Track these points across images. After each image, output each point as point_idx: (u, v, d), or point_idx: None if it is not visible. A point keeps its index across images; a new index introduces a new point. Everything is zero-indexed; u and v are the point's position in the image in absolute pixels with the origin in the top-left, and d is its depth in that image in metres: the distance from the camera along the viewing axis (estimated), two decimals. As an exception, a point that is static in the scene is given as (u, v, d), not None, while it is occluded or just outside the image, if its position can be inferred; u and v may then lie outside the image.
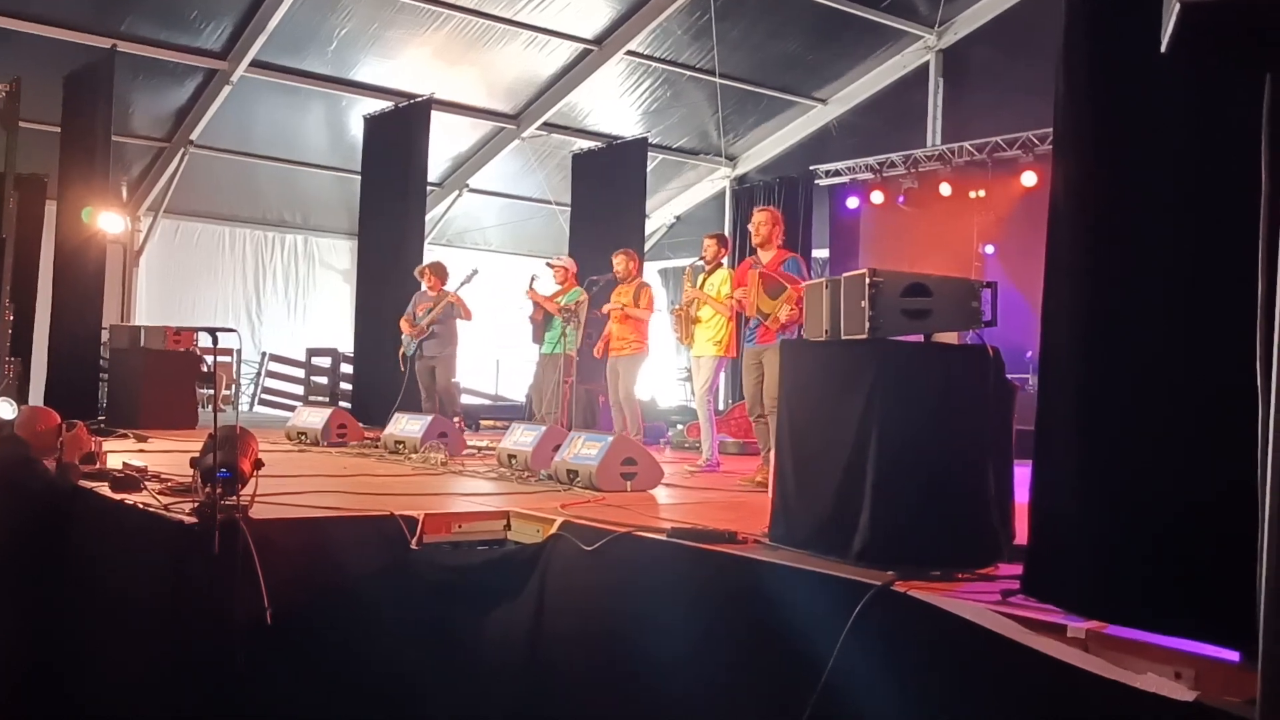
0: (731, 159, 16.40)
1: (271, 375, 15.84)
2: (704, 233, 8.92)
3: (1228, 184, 2.34)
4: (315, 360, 14.97)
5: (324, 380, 14.82)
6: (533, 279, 9.85)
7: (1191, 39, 1.59)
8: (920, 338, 4.23)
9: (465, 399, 13.83)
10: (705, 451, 8.14)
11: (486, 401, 14.74)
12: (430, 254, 13.32)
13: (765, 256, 7.47)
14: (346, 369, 14.27)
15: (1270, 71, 1.63)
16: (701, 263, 8.20)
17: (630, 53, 13.65)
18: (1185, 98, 2.81)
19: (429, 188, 14.18)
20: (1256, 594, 1.70)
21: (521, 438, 7.29)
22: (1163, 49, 1.64)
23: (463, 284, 9.90)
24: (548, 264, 9.92)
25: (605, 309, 9.06)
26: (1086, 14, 3.17)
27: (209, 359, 11.08)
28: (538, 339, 9.79)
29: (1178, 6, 1.52)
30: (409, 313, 10.18)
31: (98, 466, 5.86)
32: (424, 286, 10.22)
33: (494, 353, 14.64)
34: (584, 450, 6.47)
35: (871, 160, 13.46)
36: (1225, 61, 1.80)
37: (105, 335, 11.81)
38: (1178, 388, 2.87)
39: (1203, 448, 2.77)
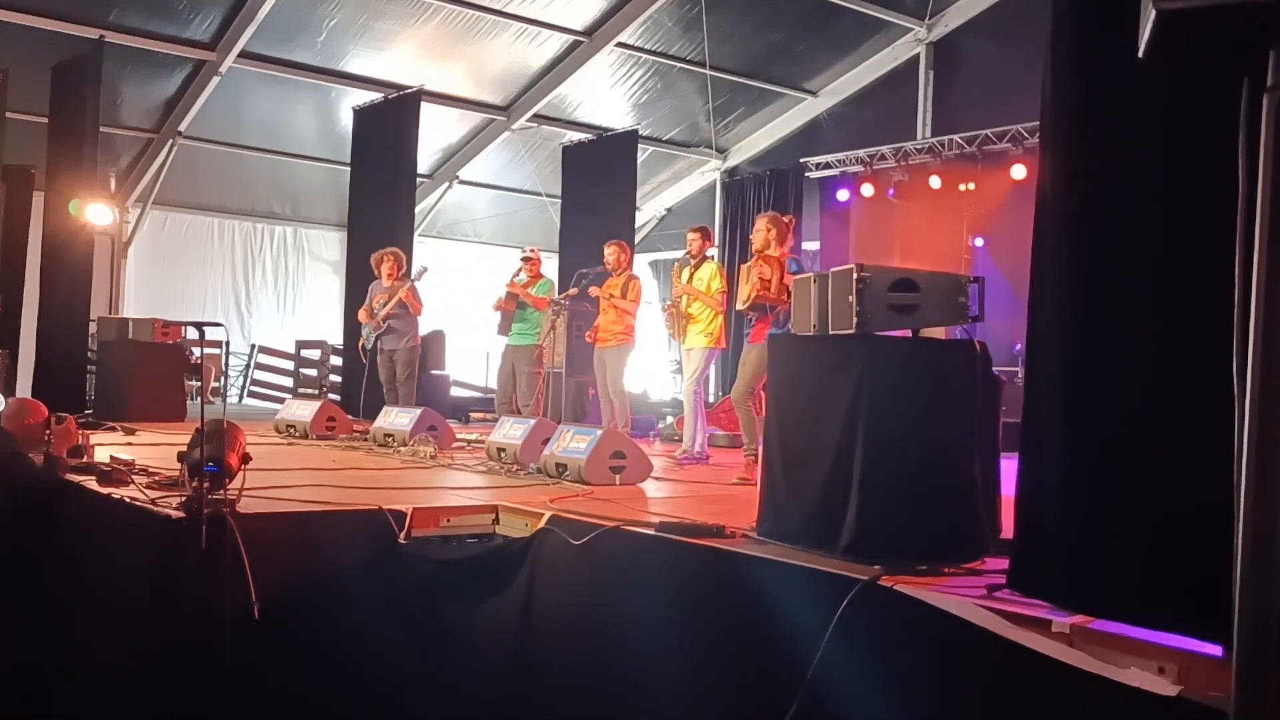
0: (722, 151, 16.39)
1: (260, 367, 15.79)
2: (696, 225, 8.91)
3: (1216, 176, 2.34)
4: (304, 352, 14.93)
5: (313, 373, 14.78)
6: (518, 272, 9.89)
7: (1168, 44, 1.59)
8: (908, 332, 4.25)
9: (454, 391, 13.83)
10: (686, 442, 8.18)
11: (476, 394, 14.73)
12: (420, 246, 13.32)
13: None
14: (336, 361, 14.24)
15: (1247, 75, 1.64)
16: (688, 256, 8.22)
17: (621, 44, 13.62)
18: (1172, 90, 2.82)
19: (419, 179, 14.16)
20: (1233, 589, 1.71)
21: (511, 431, 7.29)
22: (1140, 54, 1.65)
23: (414, 280, 9.90)
24: (522, 257, 9.93)
25: (593, 292, 9.08)
26: (1073, 6, 3.18)
27: (197, 351, 11.05)
28: (504, 330, 9.81)
29: (1153, 12, 1.53)
30: (367, 304, 10.14)
31: (85, 460, 5.84)
32: (382, 275, 10.12)
33: (483, 345, 14.62)
34: (573, 444, 6.47)
35: (862, 153, 13.47)
36: (1203, 66, 1.81)
37: (93, 327, 11.77)
38: (1164, 382, 2.88)
39: (1188, 442, 2.78)
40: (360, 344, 10.13)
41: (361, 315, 10.13)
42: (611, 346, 8.91)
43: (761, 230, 7.33)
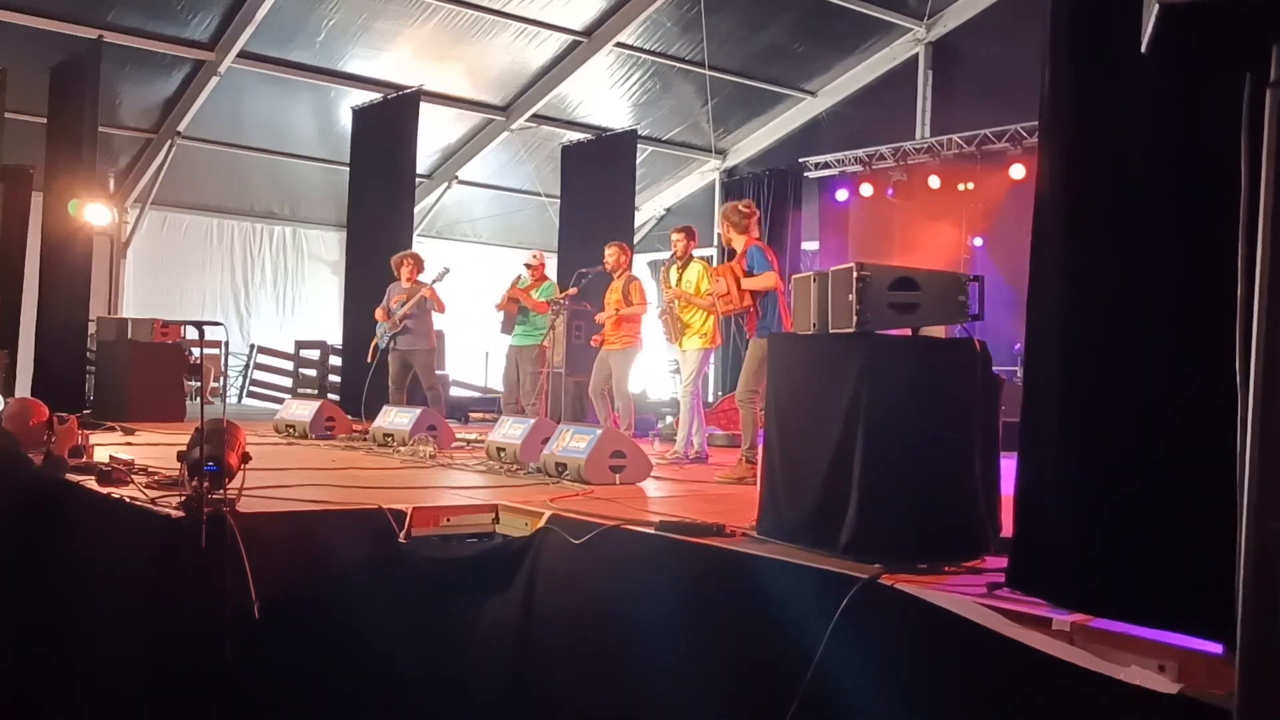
0: (721, 151, 16.40)
1: (260, 368, 15.80)
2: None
3: (1217, 173, 2.34)
4: (304, 353, 14.93)
5: (312, 373, 14.79)
6: (518, 278, 9.92)
7: (1171, 39, 1.59)
8: (908, 331, 4.25)
9: (454, 391, 13.84)
10: (679, 445, 8.17)
11: (475, 394, 14.73)
12: (420, 246, 13.29)
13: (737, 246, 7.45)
14: (335, 361, 14.24)
15: (1250, 71, 1.64)
16: (673, 258, 8.20)
17: (620, 44, 13.63)
18: (1173, 86, 2.82)
19: (418, 179, 14.17)
20: (1235, 586, 1.71)
21: (510, 430, 7.29)
22: (1143, 49, 1.65)
23: (435, 281, 9.93)
24: (525, 264, 9.98)
25: (600, 318, 9.03)
26: (1071, 4, 3.18)
27: (196, 351, 11.04)
28: (507, 329, 9.85)
29: (1156, 7, 1.53)
30: (384, 304, 10.17)
31: (85, 460, 5.84)
32: (402, 277, 10.18)
33: (482, 345, 14.64)
34: (572, 443, 6.47)
35: (860, 153, 13.48)
36: (1205, 61, 1.81)
37: (92, 328, 11.77)
38: (1161, 380, 2.88)
39: (1185, 440, 2.78)
40: (374, 343, 10.15)
41: (378, 314, 10.15)
42: (617, 349, 8.86)
43: (721, 227, 7.38)
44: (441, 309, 10.04)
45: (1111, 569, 2.96)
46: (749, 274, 7.05)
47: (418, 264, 10.15)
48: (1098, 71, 3.07)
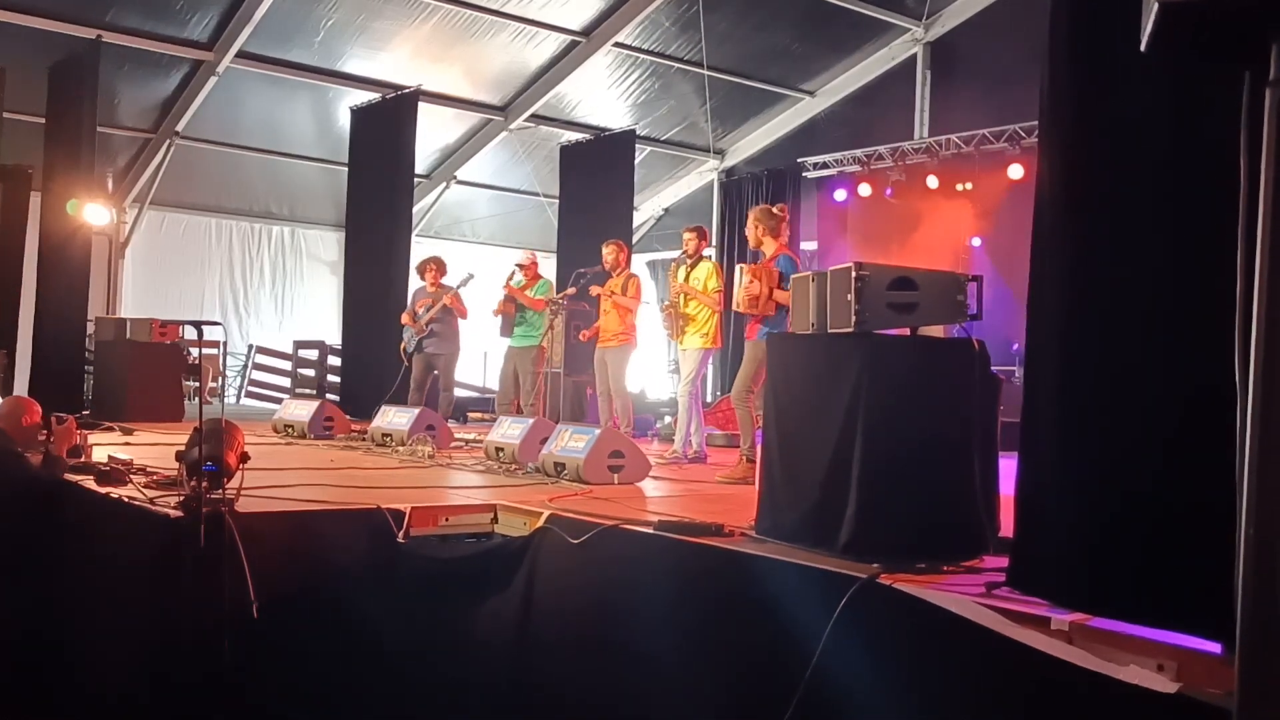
0: (720, 151, 16.39)
1: (258, 368, 15.79)
2: (691, 225, 8.92)
3: (1217, 171, 2.35)
4: (302, 353, 14.92)
5: (311, 373, 14.78)
6: (511, 275, 9.96)
7: (1170, 38, 1.60)
8: (907, 331, 4.25)
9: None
10: (677, 444, 8.18)
11: (474, 394, 14.72)
12: (418, 246, 13.30)
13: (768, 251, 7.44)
14: (334, 361, 14.24)
15: (1249, 70, 1.64)
16: (684, 256, 8.22)
17: (618, 44, 13.62)
18: (1173, 83, 2.82)
19: (417, 179, 14.15)
20: (1235, 586, 1.71)
21: (509, 430, 7.28)
22: (1142, 48, 1.65)
23: (459, 287, 9.98)
24: (518, 264, 10.02)
25: (594, 291, 9.10)
26: (1071, 4, 3.18)
27: (194, 351, 11.03)
28: (506, 332, 9.89)
29: (1156, 6, 1.53)
30: (409, 308, 10.24)
31: (83, 459, 5.83)
32: (426, 281, 10.22)
33: (481, 345, 14.63)
34: (571, 443, 6.47)
35: (859, 152, 13.48)
36: (1204, 60, 1.81)
37: (90, 328, 11.75)
38: (1161, 380, 2.89)
39: (1185, 440, 2.78)
40: (402, 347, 10.22)
41: (405, 319, 10.26)
42: (613, 346, 8.90)
43: (750, 228, 7.33)
44: (464, 315, 10.11)
45: (1111, 569, 2.96)
46: (781, 283, 7.03)
47: (440, 268, 10.26)
48: (1098, 71, 3.07)
